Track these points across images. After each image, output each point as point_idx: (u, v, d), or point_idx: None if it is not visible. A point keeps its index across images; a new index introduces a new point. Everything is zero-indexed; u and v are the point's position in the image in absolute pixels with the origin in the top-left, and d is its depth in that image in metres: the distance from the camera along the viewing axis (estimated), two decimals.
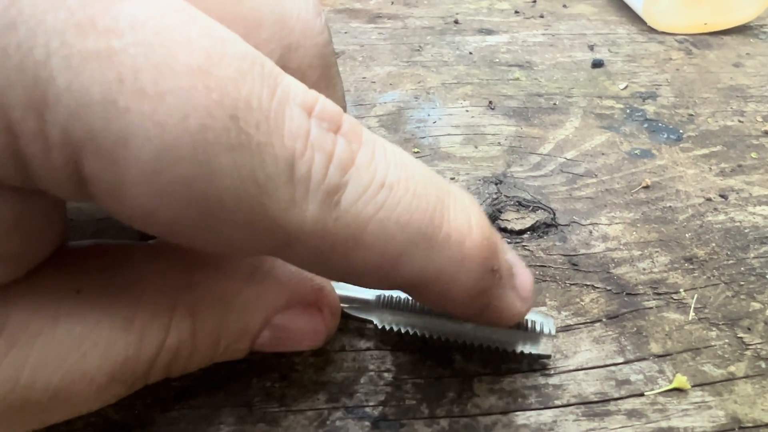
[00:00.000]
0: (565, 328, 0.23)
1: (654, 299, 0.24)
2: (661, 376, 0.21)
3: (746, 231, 0.27)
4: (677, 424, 0.20)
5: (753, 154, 0.33)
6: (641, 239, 0.27)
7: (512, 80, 0.39)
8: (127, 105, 0.11)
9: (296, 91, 0.14)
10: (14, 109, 0.11)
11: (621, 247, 0.26)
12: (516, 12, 0.49)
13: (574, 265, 0.25)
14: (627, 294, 0.24)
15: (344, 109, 0.21)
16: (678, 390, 0.21)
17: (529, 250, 0.26)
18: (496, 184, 0.30)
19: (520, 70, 0.40)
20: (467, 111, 0.36)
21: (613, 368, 0.21)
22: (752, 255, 0.26)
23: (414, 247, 0.15)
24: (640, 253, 0.26)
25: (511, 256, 0.18)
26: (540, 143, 0.33)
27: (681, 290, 0.24)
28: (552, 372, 0.21)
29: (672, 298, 0.24)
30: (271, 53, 0.17)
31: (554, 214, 0.28)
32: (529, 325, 0.20)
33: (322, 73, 0.19)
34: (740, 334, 0.23)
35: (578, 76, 0.40)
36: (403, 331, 0.21)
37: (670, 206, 0.29)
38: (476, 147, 0.33)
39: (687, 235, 0.27)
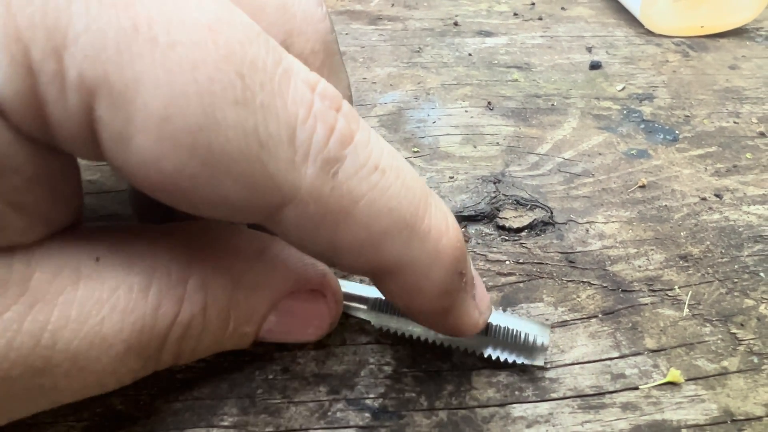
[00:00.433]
0: (562, 324, 0.23)
1: (649, 296, 0.24)
2: (656, 371, 0.21)
3: (740, 230, 0.28)
4: (671, 416, 0.20)
5: (748, 155, 0.33)
6: (637, 237, 0.27)
7: (511, 81, 0.40)
8: (140, 51, 0.12)
9: (299, 68, 0.14)
10: (36, 50, 0.12)
11: (617, 245, 0.27)
12: (515, 14, 0.50)
13: (571, 262, 0.26)
14: (623, 291, 0.25)
15: (350, 99, 0.21)
16: (672, 384, 0.21)
17: (526, 247, 0.26)
18: (495, 183, 0.30)
19: (519, 72, 0.41)
20: (466, 111, 0.36)
21: (608, 362, 0.22)
22: (746, 253, 0.27)
23: (397, 232, 0.15)
24: (635, 250, 0.27)
25: (473, 269, 0.19)
26: (538, 143, 0.33)
27: (676, 287, 0.25)
28: (549, 366, 0.21)
29: (667, 294, 0.24)
30: (273, 38, 0.18)
31: (552, 213, 0.28)
32: (523, 337, 0.21)
33: (324, 59, 0.19)
34: (733, 330, 0.23)
35: (576, 77, 0.41)
36: (398, 333, 0.21)
37: (666, 205, 0.29)
38: (475, 147, 0.33)
39: (682, 233, 0.28)
